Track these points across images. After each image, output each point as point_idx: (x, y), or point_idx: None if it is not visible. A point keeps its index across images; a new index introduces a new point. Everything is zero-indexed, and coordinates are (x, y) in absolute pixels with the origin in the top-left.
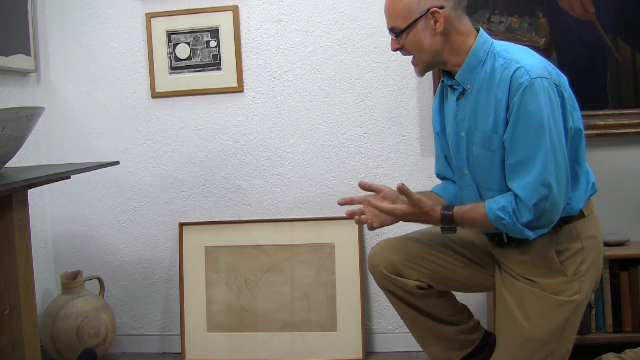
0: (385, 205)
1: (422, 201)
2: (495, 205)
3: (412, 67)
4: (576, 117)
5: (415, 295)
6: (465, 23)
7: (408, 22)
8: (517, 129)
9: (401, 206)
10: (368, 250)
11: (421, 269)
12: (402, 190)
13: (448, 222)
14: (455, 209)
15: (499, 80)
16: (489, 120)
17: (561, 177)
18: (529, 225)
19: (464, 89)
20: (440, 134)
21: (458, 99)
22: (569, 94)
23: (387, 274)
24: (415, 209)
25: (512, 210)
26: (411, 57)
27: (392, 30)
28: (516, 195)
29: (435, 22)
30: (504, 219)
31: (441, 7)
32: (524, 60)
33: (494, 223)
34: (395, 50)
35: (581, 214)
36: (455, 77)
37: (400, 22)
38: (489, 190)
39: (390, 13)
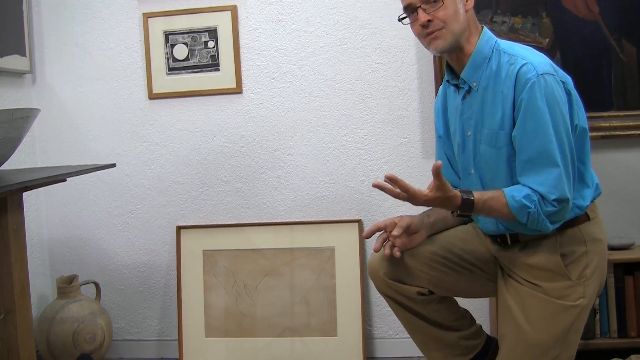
0: (411, 187)
1: (446, 186)
2: (519, 193)
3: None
4: (581, 116)
5: (416, 302)
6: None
7: None
8: (527, 125)
9: (425, 191)
10: (369, 254)
11: (422, 275)
12: (437, 171)
13: (467, 209)
14: (476, 195)
15: (504, 77)
16: (496, 117)
17: (570, 173)
18: (551, 218)
19: (469, 88)
20: (444, 137)
21: (464, 97)
22: (574, 92)
23: (387, 280)
24: (439, 194)
25: (537, 199)
26: (435, 32)
27: None
28: (533, 189)
29: None
30: (529, 207)
31: None
32: (530, 57)
33: (516, 212)
34: (425, 22)
35: (586, 217)
36: (461, 76)
37: None
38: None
39: None
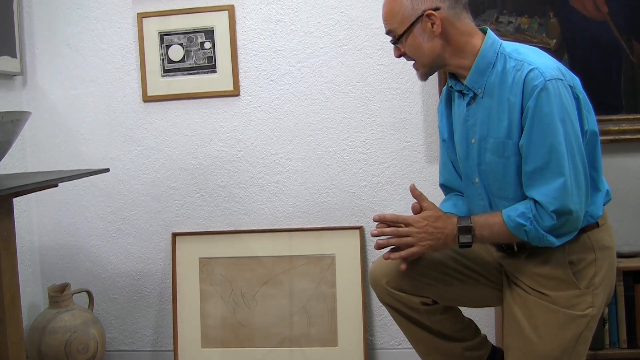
0: (403, 216)
1: (432, 204)
2: (514, 212)
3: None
4: (591, 120)
5: (420, 312)
6: (466, 22)
7: (404, 27)
8: (534, 134)
9: (415, 216)
10: (370, 262)
11: (425, 284)
12: (415, 192)
13: (466, 229)
14: (473, 217)
15: (511, 83)
16: (502, 126)
17: (581, 183)
18: (553, 232)
19: (474, 94)
20: (448, 141)
21: (468, 104)
22: (583, 95)
23: (389, 290)
24: (431, 212)
25: (533, 215)
26: (413, 64)
27: (389, 35)
28: (535, 201)
29: (432, 24)
30: (525, 225)
31: (436, 9)
32: (537, 61)
33: (514, 231)
34: (399, 56)
35: (595, 224)
36: (465, 82)
37: (397, 28)
38: (502, 199)
39: (386, 19)
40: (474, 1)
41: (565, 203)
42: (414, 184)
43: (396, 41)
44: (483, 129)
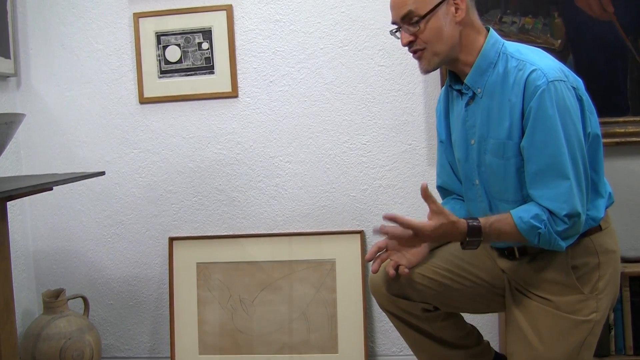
0: (415, 221)
1: (445, 210)
2: (527, 214)
3: (418, 70)
4: (594, 122)
5: (421, 319)
6: (477, 18)
7: (430, 6)
8: (536, 135)
9: (425, 228)
10: (371, 267)
11: (427, 290)
12: (426, 193)
13: (475, 234)
14: (482, 219)
15: (512, 83)
16: (503, 127)
17: (582, 185)
18: (562, 235)
19: (474, 94)
20: (446, 142)
21: (467, 104)
22: (586, 97)
23: (390, 296)
24: (442, 219)
25: (547, 218)
26: (418, 52)
27: (406, 17)
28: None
29: (456, 9)
30: (539, 228)
31: None
32: (539, 62)
33: (526, 234)
34: (407, 43)
35: (598, 227)
36: (464, 81)
37: (419, 7)
38: (502, 201)
39: None
40: (478, 1)
41: (574, 206)
42: (426, 183)
43: (418, 22)
44: (483, 130)
